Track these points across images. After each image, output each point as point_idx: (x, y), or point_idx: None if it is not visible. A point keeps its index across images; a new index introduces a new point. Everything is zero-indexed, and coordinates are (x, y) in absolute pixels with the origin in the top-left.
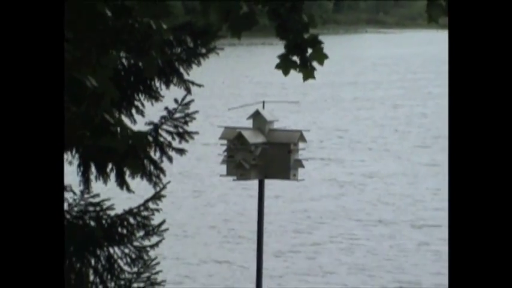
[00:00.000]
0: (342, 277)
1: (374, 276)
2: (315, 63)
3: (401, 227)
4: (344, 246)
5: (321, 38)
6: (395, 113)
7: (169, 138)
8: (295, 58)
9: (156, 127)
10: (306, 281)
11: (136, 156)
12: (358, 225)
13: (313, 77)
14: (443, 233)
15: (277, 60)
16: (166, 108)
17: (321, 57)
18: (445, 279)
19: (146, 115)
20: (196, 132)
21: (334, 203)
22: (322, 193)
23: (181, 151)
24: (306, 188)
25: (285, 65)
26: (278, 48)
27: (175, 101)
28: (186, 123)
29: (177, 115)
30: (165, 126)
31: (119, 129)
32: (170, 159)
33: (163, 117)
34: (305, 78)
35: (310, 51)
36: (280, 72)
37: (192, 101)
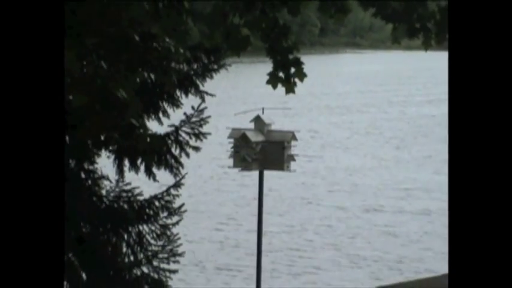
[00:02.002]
0: (308, 253)
1: (335, 250)
2: (296, 80)
3: (357, 211)
4: (311, 227)
5: (309, 57)
6: (362, 118)
7: (187, 138)
8: (281, 75)
9: (176, 129)
10: (282, 257)
11: (155, 153)
12: (323, 209)
13: (293, 92)
14: (392, 216)
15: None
16: (185, 113)
17: (301, 75)
18: (387, 254)
19: (167, 118)
20: (209, 133)
21: (307, 191)
22: (297, 183)
23: (196, 148)
24: (285, 179)
25: (273, 80)
26: (270, 65)
27: (192, 108)
28: (200, 125)
29: (194, 119)
30: (184, 128)
31: (142, 131)
32: (188, 155)
33: (182, 120)
34: (287, 92)
35: (293, 70)
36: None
37: (206, 108)
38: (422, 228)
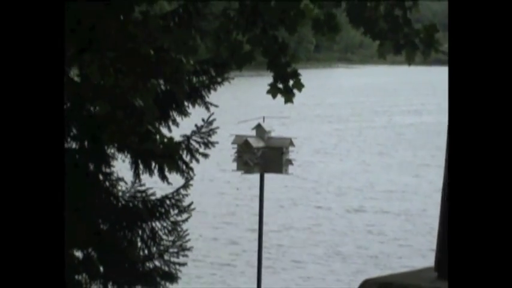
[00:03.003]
0: (297, 249)
1: (322, 247)
2: (295, 91)
3: (342, 211)
4: (299, 226)
5: (305, 71)
6: (349, 126)
7: (197, 146)
8: (281, 86)
9: (188, 138)
10: (272, 253)
11: (172, 157)
12: (311, 209)
13: (292, 101)
14: (374, 216)
15: (267, 87)
16: (196, 124)
17: (299, 86)
18: (370, 250)
19: (176, 127)
20: (217, 142)
21: (296, 193)
22: (287, 186)
23: (205, 155)
24: (277, 182)
25: (273, 91)
26: (269, 78)
27: (203, 120)
28: (209, 135)
29: (203, 129)
30: (194, 137)
31: (158, 136)
32: (197, 161)
33: (193, 131)
34: (286, 101)
35: (291, 81)
36: (267, 96)
37: (214, 119)
38: (402, 227)
